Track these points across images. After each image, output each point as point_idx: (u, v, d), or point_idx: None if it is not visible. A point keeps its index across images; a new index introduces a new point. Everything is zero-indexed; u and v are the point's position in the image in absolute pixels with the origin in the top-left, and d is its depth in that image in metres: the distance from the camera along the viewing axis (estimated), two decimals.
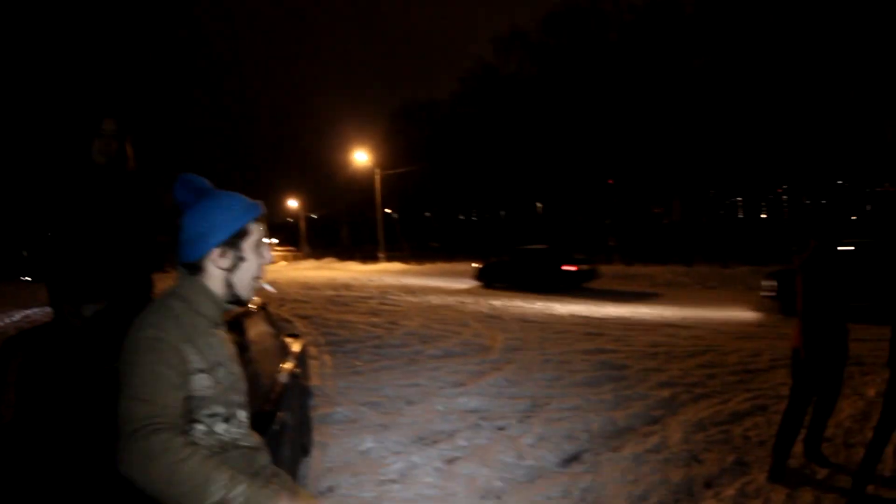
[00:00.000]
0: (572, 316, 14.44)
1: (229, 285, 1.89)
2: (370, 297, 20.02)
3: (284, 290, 25.31)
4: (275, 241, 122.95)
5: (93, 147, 3.18)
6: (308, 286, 27.68)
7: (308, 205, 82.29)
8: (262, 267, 1.98)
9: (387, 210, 53.59)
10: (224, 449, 1.78)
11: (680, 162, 41.89)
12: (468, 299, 18.42)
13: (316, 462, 5.25)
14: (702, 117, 40.28)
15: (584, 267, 21.71)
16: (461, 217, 66.77)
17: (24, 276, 29.69)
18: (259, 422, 3.26)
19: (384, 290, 22.51)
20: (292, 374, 4.74)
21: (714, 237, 31.70)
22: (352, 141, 54.04)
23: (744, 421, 6.15)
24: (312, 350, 10.38)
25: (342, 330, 12.71)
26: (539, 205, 58.46)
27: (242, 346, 3.80)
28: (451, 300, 18.27)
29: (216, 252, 1.85)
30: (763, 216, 51.29)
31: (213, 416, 1.76)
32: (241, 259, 1.90)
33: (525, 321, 13.39)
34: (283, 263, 70.79)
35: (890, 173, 37.79)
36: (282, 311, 16.73)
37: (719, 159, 40.81)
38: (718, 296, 18.62)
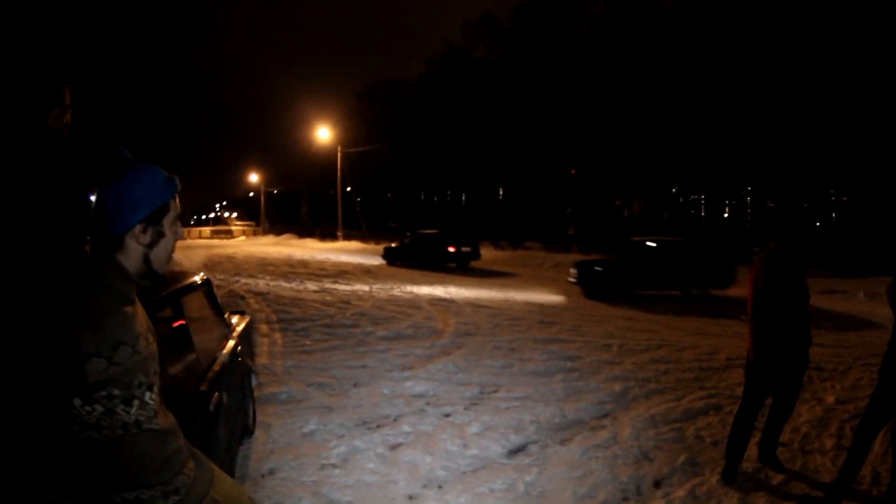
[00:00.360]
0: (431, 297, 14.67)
1: (147, 261, 1.84)
2: (325, 276, 19.97)
3: (240, 266, 25.11)
4: (234, 215, 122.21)
5: (49, 115, 2.95)
6: (265, 262, 27.53)
7: (268, 180, 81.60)
8: (175, 242, 1.96)
9: (347, 189, 53.14)
10: (126, 430, 1.71)
11: (643, 156, 41.96)
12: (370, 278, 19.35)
13: (259, 443, 5.14)
14: (670, 113, 40.28)
15: (466, 249, 25.48)
16: (422, 198, 66.28)
17: None
18: (193, 402, 3.27)
19: (341, 270, 22.37)
20: (233, 353, 4.61)
21: (672, 233, 31.88)
22: (315, 118, 53.75)
23: (697, 420, 6.02)
24: (263, 328, 10.35)
25: (295, 308, 12.59)
26: (501, 190, 58.26)
27: (177, 323, 3.75)
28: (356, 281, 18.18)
29: (138, 228, 1.81)
30: (726, 216, 51.74)
31: (110, 397, 1.67)
32: (161, 235, 1.87)
33: (477, 306, 13.34)
34: (242, 238, 70.33)
35: (859, 182, 38.26)
36: (235, 287, 16.57)
37: (683, 156, 40.85)
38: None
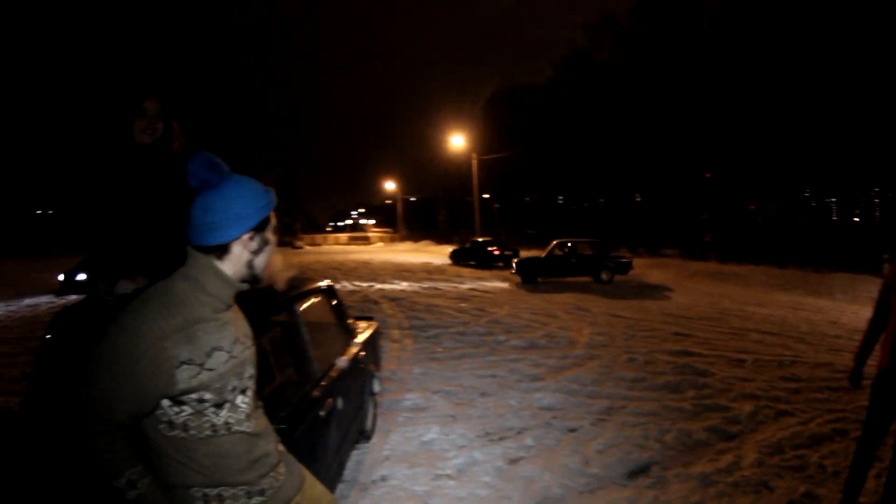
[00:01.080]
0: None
1: (250, 266, 1.89)
2: (462, 283, 19.91)
3: (376, 271, 25.59)
4: (372, 222, 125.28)
5: (134, 127, 3.10)
6: (401, 268, 28.01)
7: (405, 187, 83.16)
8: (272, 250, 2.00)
9: (485, 195, 53.17)
10: (215, 432, 1.76)
11: (777, 158, 39.51)
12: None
13: (375, 449, 5.08)
14: (800, 112, 37.76)
15: (507, 252, 29.22)
16: (559, 204, 64.98)
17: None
18: (302, 406, 3.30)
19: (477, 276, 22.32)
20: (354, 359, 4.61)
21: (808, 239, 29.77)
22: (449, 125, 54.16)
23: (822, 446, 5.41)
24: (395, 333, 10.39)
25: (428, 314, 12.58)
26: (638, 196, 56.36)
27: (292, 329, 3.79)
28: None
29: (246, 236, 1.85)
30: (856, 219, 48.29)
31: (201, 401, 1.72)
32: (266, 242, 1.92)
33: (614, 315, 12.77)
34: (380, 244, 71.94)
35: None
36: (370, 292, 16.82)
37: (817, 158, 38.01)
38: None
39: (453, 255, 32.93)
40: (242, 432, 1.84)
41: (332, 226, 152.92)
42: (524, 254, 27.42)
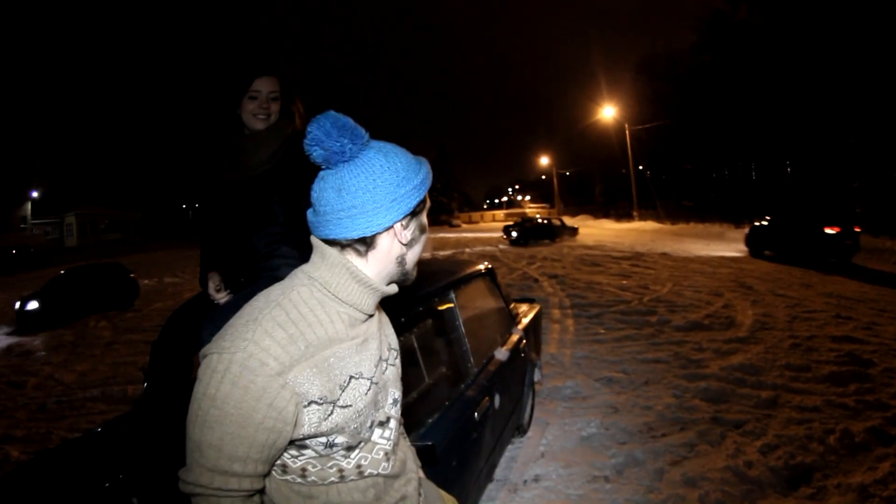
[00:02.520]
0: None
1: (402, 263, 1.44)
2: (623, 258, 19.40)
3: (536, 249, 25.57)
4: (527, 198, 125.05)
5: (245, 109, 2.76)
6: (560, 244, 27.77)
7: (560, 161, 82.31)
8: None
9: (640, 167, 51.70)
10: (342, 479, 1.36)
11: None
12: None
13: (530, 444, 4.85)
14: None
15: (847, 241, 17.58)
16: (713, 175, 61.52)
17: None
18: (454, 411, 3.03)
19: (638, 252, 21.81)
20: (515, 348, 4.30)
21: None
22: (598, 95, 53.10)
23: None
24: (555, 313, 10.21)
25: (590, 292, 12.30)
26: (787, 164, 52.07)
27: (446, 320, 3.57)
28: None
29: (399, 225, 1.39)
30: None
31: (330, 446, 1.31)
32: (423, 230, 1.48)
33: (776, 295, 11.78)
34: None
35: None
36: (530, 270, 16.74)
37: None
38: None
39: (755, 238, 20.99)
40: (377, 475, 1.43)
41: (488, 203, 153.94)
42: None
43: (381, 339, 1.49)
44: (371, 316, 1.45)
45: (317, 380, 1.26)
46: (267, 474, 1.30)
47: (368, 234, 1.36)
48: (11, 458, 5.60)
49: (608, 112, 49.91)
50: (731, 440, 4.84)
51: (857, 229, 17.77)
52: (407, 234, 1.41)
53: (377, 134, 1.44)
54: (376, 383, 1.40)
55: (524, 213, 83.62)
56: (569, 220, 45.98)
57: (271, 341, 1.23)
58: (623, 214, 51.73)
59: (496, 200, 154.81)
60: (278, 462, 1.32)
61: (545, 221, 33.94)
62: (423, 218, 1.47)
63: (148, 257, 46.22)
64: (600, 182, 79.04)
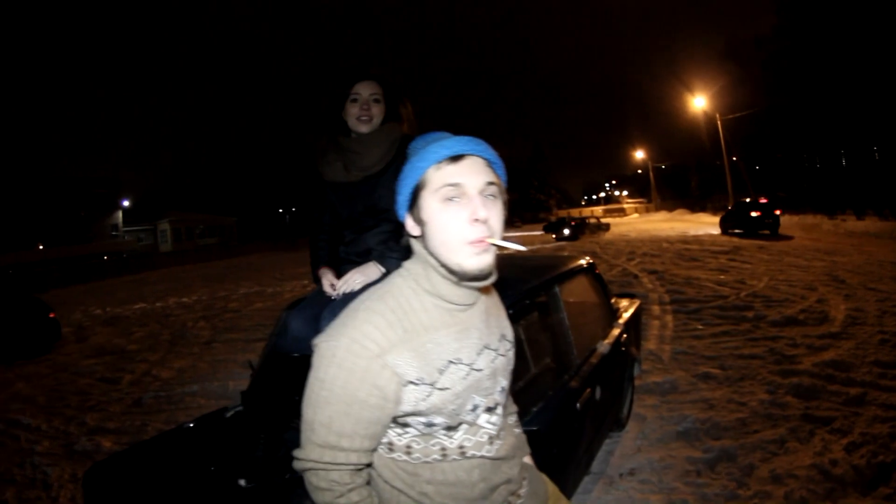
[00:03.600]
0: None
1: (434, 254, 1.43)
2: (721, 252, 19.17)
3: (634, 243, 25.55)
4: (624, 193, 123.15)
5: (349, 113, 2.81)
6: (658, 239, 27.63)
7: (655, 155, 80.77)
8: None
9: (733, 158, 49.94)
10: (444, 457, 1.43)
11: None
12: None
13: (627, 438, 4.96)
14: None
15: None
16: (805, 164, 57.54)
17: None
18: (556, 400, 3.13)
19: (736, 245, 21.61)
20: (616, 343, 4.36)
21: None
22: (687, 85, 51.66)
23: None
24: (655, 309, 10.32)
25: (688, 287, 12.34)
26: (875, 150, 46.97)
27: (551, 313, 3.62)
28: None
29: (409, 215, 1.50)
30: None
31: (430, 425, 1.40)
32: (435, 220, 1.41)
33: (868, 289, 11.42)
34: (635, 216, 70.73)
35: None
36: (629, 266, 16.79)
37: None
38: None
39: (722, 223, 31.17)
40: (482, 457, 1.47)
41: (585, 199, 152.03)
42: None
43: (488, 328, 1.53)
44: (471, 305, 1.48)
45: (414, 362, 1.35)
46: (373, 451, 1.42)
47: (400, 219, 1.50)
48: (103, 448, 5.81)
49: (699, 102, 48.72)
50: (819, 437, 4.87)
51: (777, 212, 27.46)
52: (413, 225, 1.46)
53: (474, 131, 1.43)
54: (479, 370, 1.44)
55: (622, 208, 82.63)
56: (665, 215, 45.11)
57: (372, 327, 1.35)
58: (719, 208, 50.42)
59: (593, 196, 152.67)
60: (385, 440, 1.43)
61: (580, 221, 43.79)
62: (432, 204, 1.40)
63: (244, 260, 48.28)
64: (696, 174, 77.38)
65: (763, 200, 28.62)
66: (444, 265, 1.39)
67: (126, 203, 70.47)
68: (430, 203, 1.39)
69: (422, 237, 1.43)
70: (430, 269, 1.43)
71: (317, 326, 2.53)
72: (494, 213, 1.39)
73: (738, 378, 6.45)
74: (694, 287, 12.43)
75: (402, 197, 1.46)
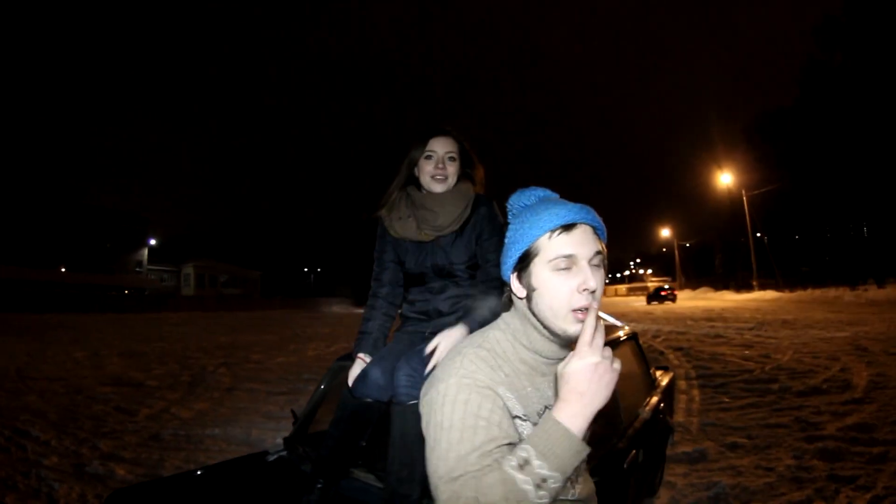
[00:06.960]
0: None
1: (537, 315, 1.51)
2: (745, 329, 19.27)
3: (659, 321, 25.47)
4: (649, 271, 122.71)
5: (423, 170, 2.72)
6: (683, 317, 27.45)
7: (680, 233, 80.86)
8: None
9: (758, 234, 49.81)
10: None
11: None
12: None
13: None
14: None
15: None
16: (828, 236, 56.86)
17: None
18: (609, 459, 3.23)
19: (760, 322, 21.60)
20: (655, 410, 4.51)
21: None
22: (711, 162, 51.98)
23: None
24: (682, 384, 10.36)
25: (714, 363, 12.38)
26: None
27: None
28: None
29: (514, 276, 1.57)
30: None
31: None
32: (546, 284, 1.48)
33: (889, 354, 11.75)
34: None
35: None
36: (655, 343, 16.82)
37: None
38: None
39: None
40: (564, 500, 1.52)
41: (609, 278, 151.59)
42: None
43: None
44: (561, 359, 1.44)
45: (518, 403, 1.42)
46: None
47: (504, 278, 1.56)
48: (117, 475, 5.66)
49: (725, 179, 48.97)
50: (844, 495, 5.03)
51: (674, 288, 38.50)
52: (520, 287, 1.51)
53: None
54: None
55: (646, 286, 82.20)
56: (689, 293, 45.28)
57: (476, 367, 1.40)
58: (742, 285, 50.20)
59: (618, 275, 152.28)
60: None
61: None
62: (543, 272, 1.46)
63: (267, 314, 48.19)
64: (720, 252, 77.09)
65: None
66: (547, 328, 1.45)
67: (153, 242, 70.70)
68: (541, 271, 1.45)
69: (527, 299, 1.48)
70: (529, 326, 1.49)
71: (396, 377, 2.36)
72: (599, 282, 1.44)
73: (765, 446, 6.57)
74: (719, 362, 12.46)
75: (510, 260, 1.51)
